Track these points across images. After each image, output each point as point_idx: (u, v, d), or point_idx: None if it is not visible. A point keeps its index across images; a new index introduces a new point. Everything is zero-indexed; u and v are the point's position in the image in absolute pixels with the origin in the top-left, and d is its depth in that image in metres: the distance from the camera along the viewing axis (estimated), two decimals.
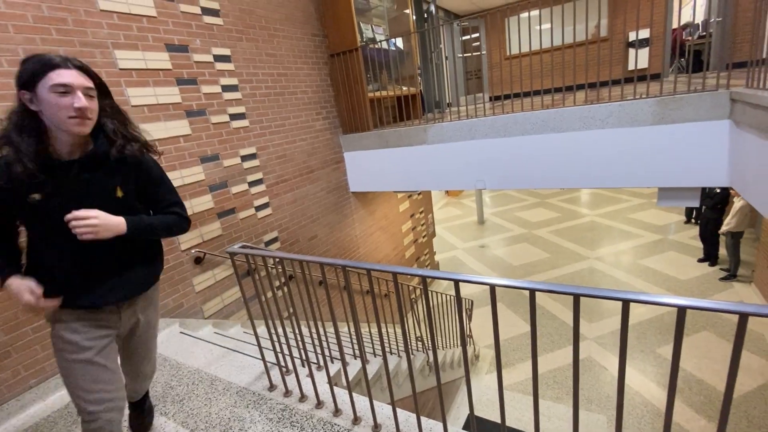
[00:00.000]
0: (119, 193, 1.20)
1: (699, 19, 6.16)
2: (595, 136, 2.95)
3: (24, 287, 1.09)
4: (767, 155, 1.96)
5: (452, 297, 4.34)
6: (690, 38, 5.65)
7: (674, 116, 2.67)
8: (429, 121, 3.91)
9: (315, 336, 1.80)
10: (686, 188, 2.81)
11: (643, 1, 5.61)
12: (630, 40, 6.51)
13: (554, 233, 8.35)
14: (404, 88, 4.73)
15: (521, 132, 3.24)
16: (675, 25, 6.51)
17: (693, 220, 7.70)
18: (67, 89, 1.02)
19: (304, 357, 1.83)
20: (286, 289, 1.69)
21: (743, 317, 0.80)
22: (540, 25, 7.00)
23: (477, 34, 7.98)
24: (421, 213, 6.44)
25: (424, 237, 6.53)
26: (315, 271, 3.42)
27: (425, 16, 6.07)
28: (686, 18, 7.19)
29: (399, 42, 4.88)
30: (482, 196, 9.90)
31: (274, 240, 3.48)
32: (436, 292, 4.58)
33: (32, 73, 1.01)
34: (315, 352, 2.00)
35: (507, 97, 3.72)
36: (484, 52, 7.74)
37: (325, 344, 2.03)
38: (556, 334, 5.11)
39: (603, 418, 3.83)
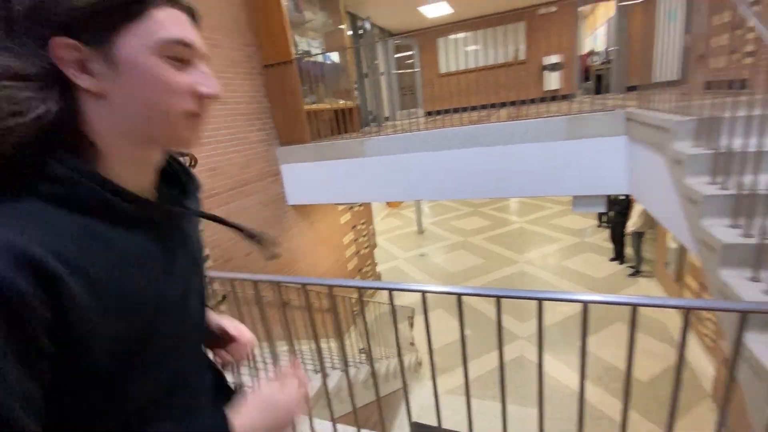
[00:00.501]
0: None
1: (602, 47, 7.02)
2: (517, 150, 3.22)
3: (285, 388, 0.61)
4: (655, 166, 2.28)
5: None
6: (593, 64, 6.43)
7: (581, 132, 3.00)
8: (366, 135, 3.98)
9: (250, 357, 1.72)
10: (595, 196, 3.16)
11: (554, 29, 6.27)
12: (544, 64, 7.22)
13: (488, 240, 8.84)
14: (341, 102, 4.77)
15: (452, 146, 3.42)
16: (583, 52, 7.36)
17: (604, 224, 8.62)
18: (186, 55, 0.46)
19: (237, 381, 1.74)
20: (221, 309, 1.60)
21: (634, 308, 0.92)
22: (467, 46, 7.50)
23: (411, 52, 8.33)
24: (362, 224, 6.47)
25: (366, 248, 6.56)
26: (250, 290, 3.28)
27: (360, 32, 6.22)
28: (594, 46, 8.15)
29: (335, 56, 4.93)
30: (421, 207, 10.21)
31: (206, 258, 3.28)
32: (379, 303, 4.62)
33: (110, 2, 0.40)
34: (249, 374, 1.90)
35: (439, 112, 3.91)
36: (417, 70, 8.09)
37: (261, 365, 1.94)
38: (494, 335, 5.38)
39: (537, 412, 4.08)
